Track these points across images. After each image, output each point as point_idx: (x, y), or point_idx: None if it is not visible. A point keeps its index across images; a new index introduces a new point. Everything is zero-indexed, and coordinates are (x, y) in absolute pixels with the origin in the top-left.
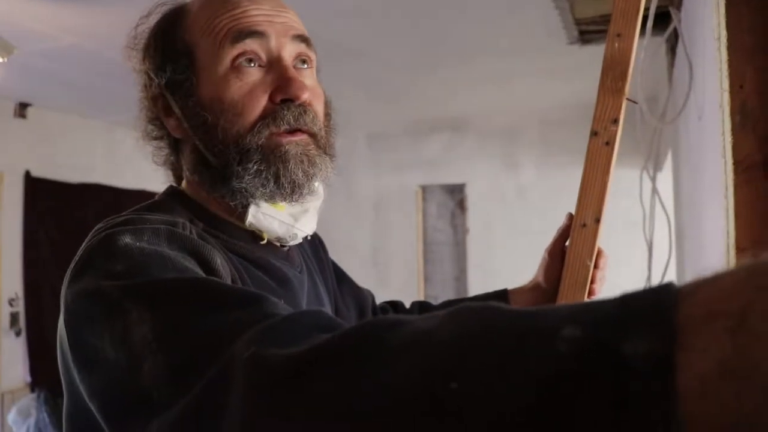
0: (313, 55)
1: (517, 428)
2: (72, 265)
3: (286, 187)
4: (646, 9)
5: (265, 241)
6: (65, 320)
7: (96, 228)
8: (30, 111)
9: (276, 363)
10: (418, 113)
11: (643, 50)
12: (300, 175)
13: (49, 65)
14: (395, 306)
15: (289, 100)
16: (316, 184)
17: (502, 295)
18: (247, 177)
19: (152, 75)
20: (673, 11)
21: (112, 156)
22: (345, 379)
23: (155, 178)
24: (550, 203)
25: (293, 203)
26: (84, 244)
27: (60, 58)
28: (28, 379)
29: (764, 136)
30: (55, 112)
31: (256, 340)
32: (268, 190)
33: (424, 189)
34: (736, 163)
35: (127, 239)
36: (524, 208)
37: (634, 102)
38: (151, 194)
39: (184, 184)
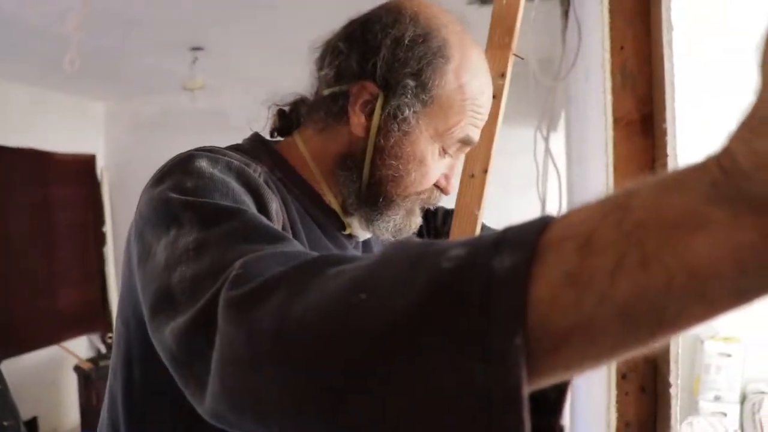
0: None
1: (405, 330)
2: (155, 174)
3: (395, 231)
4: None
5: (347, 232)
6: (135, 218)
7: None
8: None
9: (246, 283)
10: None
11: (534, 11)
12: (408, 225)
13: None
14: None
15: (442, 191)
16: None
17: None
18: (380, 222)
19: (381, 72)
20: None
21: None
22: (286, 296)
23: (47, 136)
24: None
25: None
26: (169, 159)
27: None
28: None
29: (642, 95)
30: None
31: (244, 265)
32: (371, 221)
33: None
34: (616, 120)
35: (204, 163)
36: None
37: (521, 58)
38: (43, 153)
39: (285, 143)
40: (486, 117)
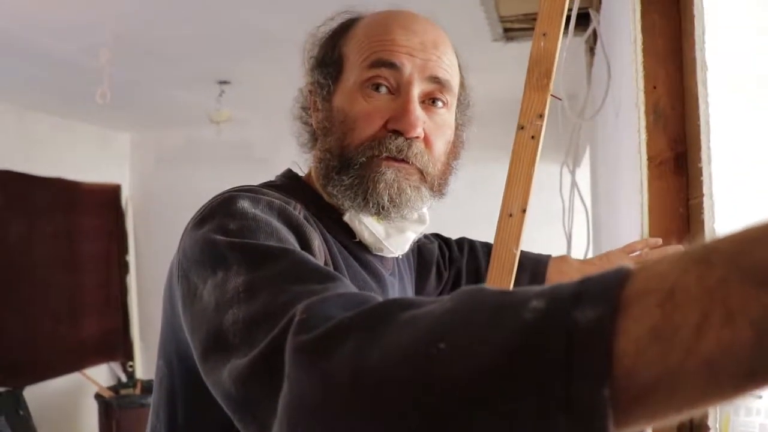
0: (449, 98)
1: (490, 379)
2: (195, 215)
3: (371, 207)
4: (569, 10)
5: (357, 239)
6: (179, 259)
7: (222, 191)
8: None
9: (314, 329)
10: None
11: (564, 50)
12: (385, 199)
13: None
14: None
15: (398, 132)
16: (410, 212)
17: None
18: (340, 188)
19: (308, 72)
20: (592, 13)
21: (23, 142)
22: (360, 343)
23: (73, 166)
24: (472, 197)
25: (387, 221)
26: (208, 201)
27: None
28: None
29: (675, 134)
30: None
31: (308, 309)
32: (355, 204)
33: None
34: (650, 159)
35: (245, 203)
36: (447, 201)
37: (558, 98)
38: (69, 182)
39: (309, 170)
40: (412, 48)
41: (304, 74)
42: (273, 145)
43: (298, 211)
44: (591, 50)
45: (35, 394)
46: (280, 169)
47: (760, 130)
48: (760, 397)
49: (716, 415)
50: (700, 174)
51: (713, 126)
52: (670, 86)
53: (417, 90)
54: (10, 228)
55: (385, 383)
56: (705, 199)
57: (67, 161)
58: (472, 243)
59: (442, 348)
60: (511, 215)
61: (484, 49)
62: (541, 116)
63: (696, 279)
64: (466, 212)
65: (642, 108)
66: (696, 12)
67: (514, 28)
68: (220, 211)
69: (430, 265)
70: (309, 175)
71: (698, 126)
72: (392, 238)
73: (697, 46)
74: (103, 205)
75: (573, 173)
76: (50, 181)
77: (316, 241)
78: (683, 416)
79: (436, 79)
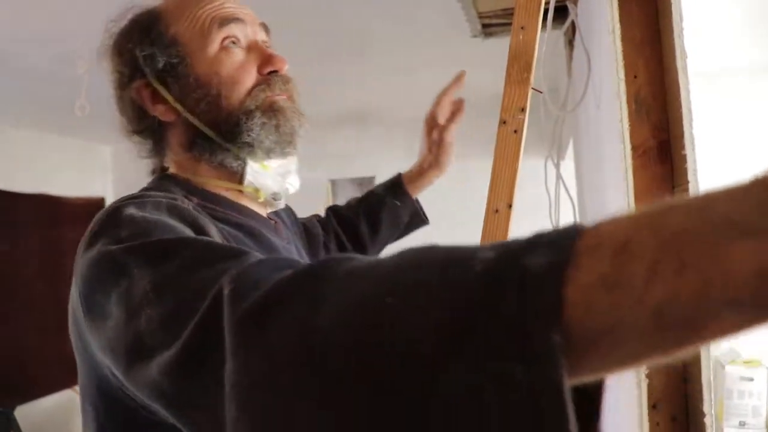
0: (270, 43)
1: (446, 331)
2: (84, 238)
3: (287, 134)
4: (547, 3)
5: (262, 199)
6: (79, 287)
7: (104, 208)
8: None
9: (249, 296)
10: (322, 107)
11: (544, 43)
12: (296, 123)
13: None
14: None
15: (275, 72)
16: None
17: (396, 181)
18: (255, 129)
19: (142, 66)
20: (570, 5)
21: (3, 158)
22: (304, 304)
23: (55, 180)
24: (458, 192)
25: (284, 156)
26: (94, 218)
27: None
28: None
29: (657, 122)
30: None
31: (235, 279)
32: (272, 138)
33: (334, 183)
34: (634, 149)
35: (132, 209)
36: (433, 197)
37: (539, 91)
38: (52, 197)
39: (171, 169)
40: (235, 5)
41: (117, 81)
42: None
43: (186, 204)
44: (570, 43)
45: (27, 413)
46: None
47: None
48: (752, 379)
49: (711, 400)
50: (685, 161)
51: (694, 112)
52: (650, 75)
53: (260, 38)
54: None
55: (336, 347)
56: (690, 187)
57: (49, 176)
58: (336, 209)
59: (393, 304)
60: (497, 211)
61: (463, 45)
62: (523, 110)
63: (650, 232)
64: (449, 210)
65: (623, 98)
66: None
67: (492, 24)
68: (109, 224)
69: (318, 237)
70: (175, 171)
71: (680, 113)
72: (287, 177)
73: (676, 34)
74: (87, 219)
75: (557, 166)
76: (33, 198)
77: (212, 228)
78: (630, 368)
79: (265, 26)
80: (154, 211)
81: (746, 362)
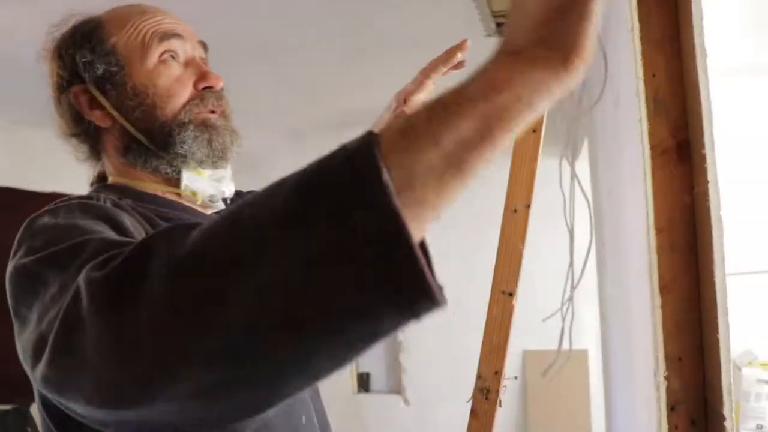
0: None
1: (292, 206)
2: (12, 250)
3: (218, 149)
4: None
5: (199, 202)
6: (9, 302)
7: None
8: None
9: (105, 266)
10: (341, 107)
11: None
12: (228, 139)
13: None
14: None
15: (210, 88)
16: (237, 150)
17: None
18: (188, 141)
19: (81, 72)
20: None
21: (15, 157)
22: (166, 247)
23: (68, 179)
24: (467, 195)
25: (216, 168)
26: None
27: None
28: None
29: (675, 121)
30: None
31: (91, 268)
32: (204, 151)
33: None
34: (652, 148)
35: (45, 219)
36: None
37: None
38: (64, 195)
39: (110, 175)
40: (175, 23)
41: (56, 85)
42: (269, 154)
43: (102, 201)
44: None
45: None
46: (275, 177)
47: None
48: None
49: (731, 403)
50: (704, 161)
51: (715, 112)
52: (669, 73)
53: (197, 54)
54: (2, 243)
55: (202, 257)
56: (710, 187)
57: (63, 175)
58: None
59: (246, 209)
60: (515, 211)
61: (477, 44)
62: None
63: (426, 103)
64: (464, 210)
65: (642, 97)
66: None
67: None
68: (25, 237)
69: None
70: (114, 175)
71: (700, 112)
72: (221, 182)
73: (695, 32)
74: None
75: (573, 166)
76: (45, 196)
77: (126, 220)
78: (447, 193)
79: (203, 44)
80: (67, 214)
81: (763, 364)
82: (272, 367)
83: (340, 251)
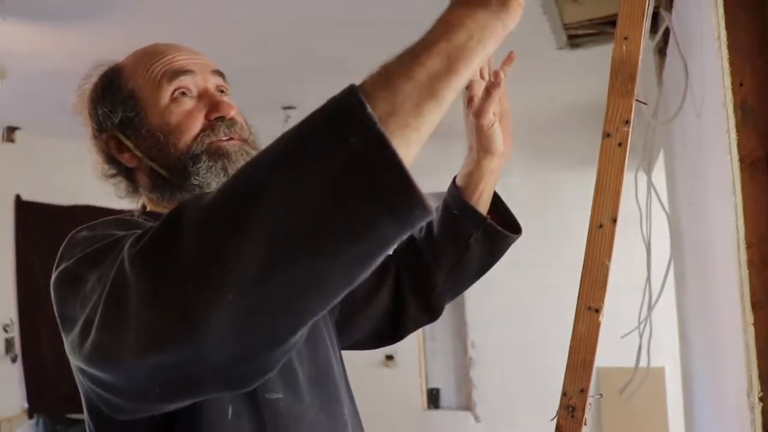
0: (227, 86)
1: (294, 146)
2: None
3: None
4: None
5: None
6: (56, 311)
7: None
8: (18, 134)
9: (142, 239)
10: None
11: (648, 52)
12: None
13: (35, 88)
14: None
15: (221, 117)
16: None
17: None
18: (202, 173)
19: (103, 121)
20: (664, 13)
21: (45, 170)
22: (190, 209)
23: (102, 191)
24: (539, 207)
25: None
26: None
27: (47, 80)
28: (25, 405)
29: (764, 131)
30: (44, 135)
31: (129, 246)
32: (220, 180)
33: None
34: (741, 159)
35: (84, 233)
36: (514, 212)
37: (644, 103)
38: (97, 209)
39: (148, 208)
40: (188, 57)
41: (91, 132)
42: None
43: (137, 218)
44: (660, 51)
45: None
46: None
47: None
48: None
49: None
50: None
51: None
52: (758, 82)
53: (212, 84)
54: (33, 260)
55: (219, 204)
56: None
57: (95, 187)
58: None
59: (260, 157)
60: (601, 226)
61: (549, 57)
62: (628, 122)
63: (409, 46)
64: (537, 224)
65: (730, 106)
66: None
67: (578, 35)
68: (65, 250)
69: None
70: (150, 207)
71: None
72: None
73: None
74: None
75: (649, 178)
76: (75, 210)
77: None
78: (426, 117)
79: (218, 72)
80: (104, 228)
81: None
82: (296, 283)
83: (342, 171)
